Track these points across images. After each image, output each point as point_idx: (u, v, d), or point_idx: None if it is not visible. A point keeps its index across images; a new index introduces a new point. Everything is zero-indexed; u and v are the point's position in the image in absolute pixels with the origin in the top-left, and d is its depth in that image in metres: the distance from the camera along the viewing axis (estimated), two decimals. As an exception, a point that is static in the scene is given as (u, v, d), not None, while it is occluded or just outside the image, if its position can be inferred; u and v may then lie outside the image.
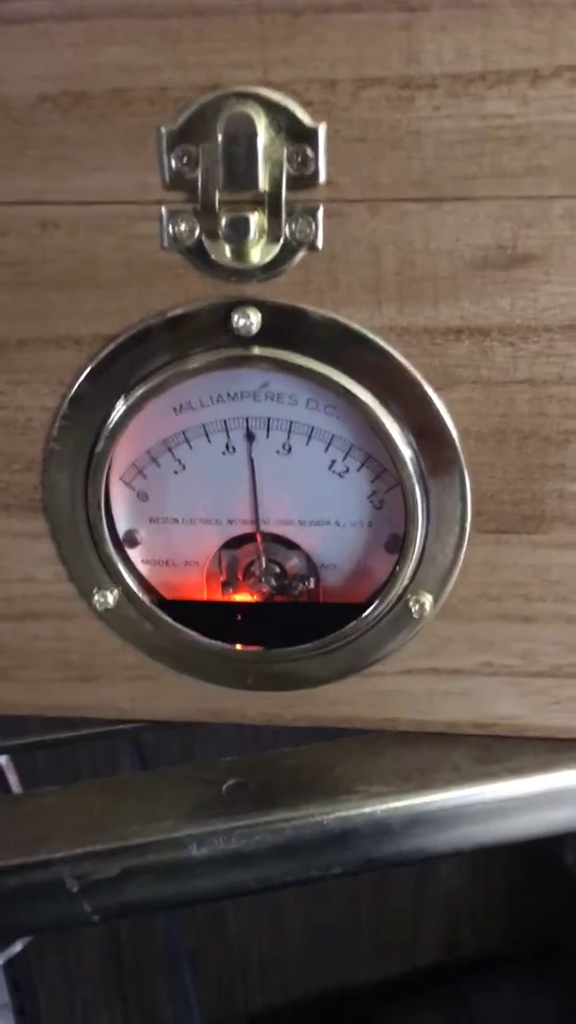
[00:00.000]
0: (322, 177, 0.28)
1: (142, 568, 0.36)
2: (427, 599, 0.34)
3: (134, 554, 0.36)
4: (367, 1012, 0.90)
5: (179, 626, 0.35)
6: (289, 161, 0.28)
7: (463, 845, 0.35)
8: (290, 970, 0.91)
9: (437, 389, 0.31)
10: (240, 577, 0.36)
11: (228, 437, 0.33)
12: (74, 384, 0.32)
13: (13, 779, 0.62)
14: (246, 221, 0.28)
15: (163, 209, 0.29)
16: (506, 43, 0.26)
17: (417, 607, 0.34)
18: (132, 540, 0.35)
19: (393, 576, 0.34)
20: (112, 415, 0.32)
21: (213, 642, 0.35)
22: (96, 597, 0.35)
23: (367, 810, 0.34)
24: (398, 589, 0.34)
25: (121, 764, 0.75)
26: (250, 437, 0.33)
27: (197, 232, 0.29)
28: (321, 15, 0.26)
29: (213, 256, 0.29)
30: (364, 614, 0.34)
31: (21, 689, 0.38)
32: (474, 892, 0.91)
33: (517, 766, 0.35)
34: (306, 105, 0.27)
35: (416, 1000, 0.90)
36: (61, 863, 0.31)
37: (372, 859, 0.34)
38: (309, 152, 0.28)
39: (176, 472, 0.34)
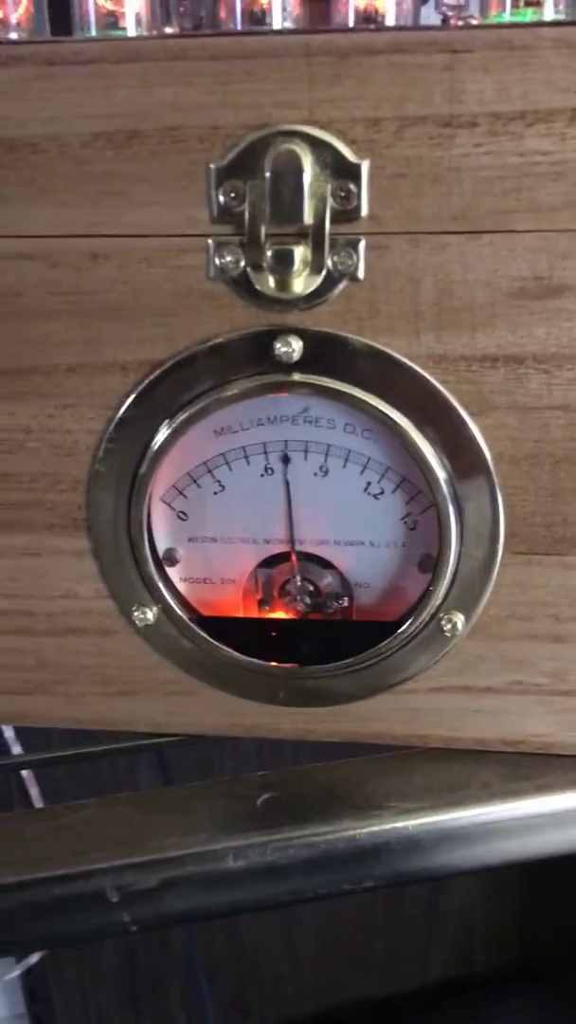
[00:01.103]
0: (364, 211, 0.29)
1: (180, 586, 0.37)
2: (459, 618, 0.35)
3: (173, 572, 0.37)
4: (380, 1025, 0.90)
5: (216, 642, 0.36)
6: (333, 196, 0.29)
7: (492, 861, 0.36)
8: (304, 982, 0.91)
9: (472, 415, 0.32)
10: (276, 595, 0.37)
11: (267, 459, 0.34)
12: (120, 408, 0.33)
13: (35, 793, 0.63)
14: (291, 254, 0.29)
15: (210, 242, 0.30)
16: (545, 83, 0.27)
17: (449, 626, 0.35)
18: (171, 558, 0.36)
19: (426, 595, 0.34)
20: (156, 438, 0.33)
21: (248, 658, 0.36)
22: (136, 614, 0.36)
23: (399, 825, 0.34)
24: (431, 608, 0.35)
25: (141, 780, 0.76)
26: (285, 460, 0.34)
27: (242, 264, 0.30)
28: (366, 57, 0.27)
29: (257, 287, 0.30)
30: (397, 632, 0.35)
31: (61, 703, 0.39)
32: (488, 907, 0.91)
33: (545, 783, 0.36)
34: (350, 143, 0.28)
35: (428, 1014, 0.90)
36: (102, 874, 0.32)
37: (402, 873, 0.35)
38: (352, 187, 0.29)
39: (215, 493, 0.35)
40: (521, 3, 0.30)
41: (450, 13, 0.32)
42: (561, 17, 0.30)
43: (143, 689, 0.38)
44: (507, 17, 0.30)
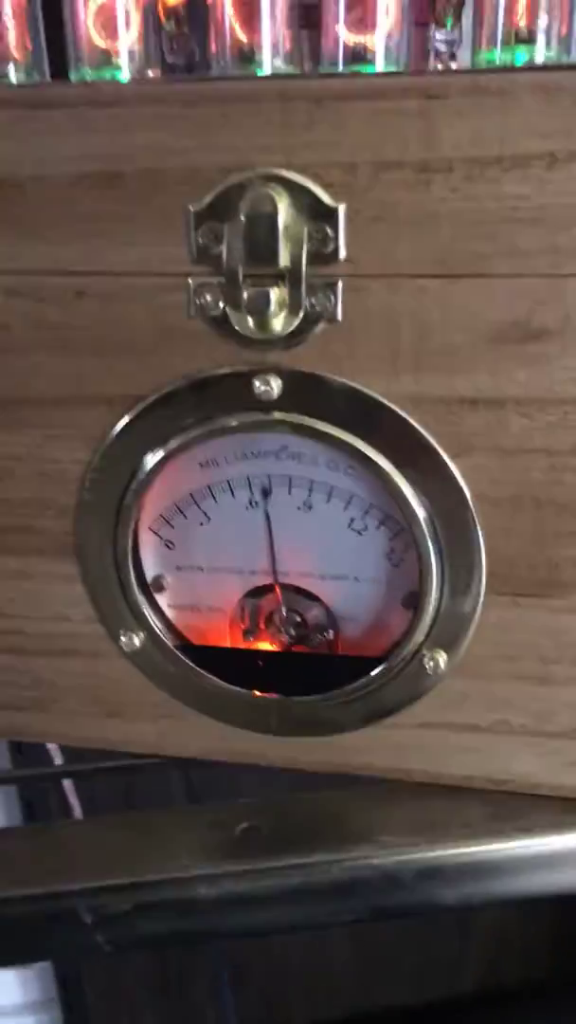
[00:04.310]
0: (342, 254, 0.29)
1: (169, 612, 0.37)
2: (442, 657, 0.34)
3: (161, 598, 0.37)
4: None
5: (200, 670, 0.37)
6: (310, 239, 0.29)
7: (472, 899, 0.36)
8: (333, 986, 0.91)
9: (453, 456, 0.31)
10: (262, 626, 0.37)
11: (251, 492, 0.34)
12: (105, 440, 0.33)
13: (75, 802, 0.64)
14: (267, 296, 0.29)
15: (190, 281, 0.30)
16: (522, 128, 0.27)
17: (431, 664, 0.34)
18: (159, 585, 0.37)
19: (408, 632, 0.34)
20: (139, 470, 0.33)
21: (233, 687, 0.37)
22: (123, 639, 0.37)
23: (376, 862, 0.34)
24: (413, 645, 0.34)
25: (175, 793, 0.77)
26: (265, 493, 0.34)
27: (221, 304, 0.30)
28: (341, 102, 0.27)
29: (236, 327, 0.30)
30: (379, 668, 0.35)
31: (55, 720, 0.40)
32: (521, 921, 0.90)
33: (528, 825, 0.35)
34: (326, 187, 0.28)
35: (459, 1026, 0.90)
36: (77, 895, 0.33)
37: (381, 909, 0.35)
38: (329, 231, 0.29)
39: (201, 523, 0.35)
40: (512, 40, 0.30)
41: (442, 48, 0.31)
42: (552, 54, 0.30)
43: (133, 711, 0.39)
44: (498, 54, 0.30)
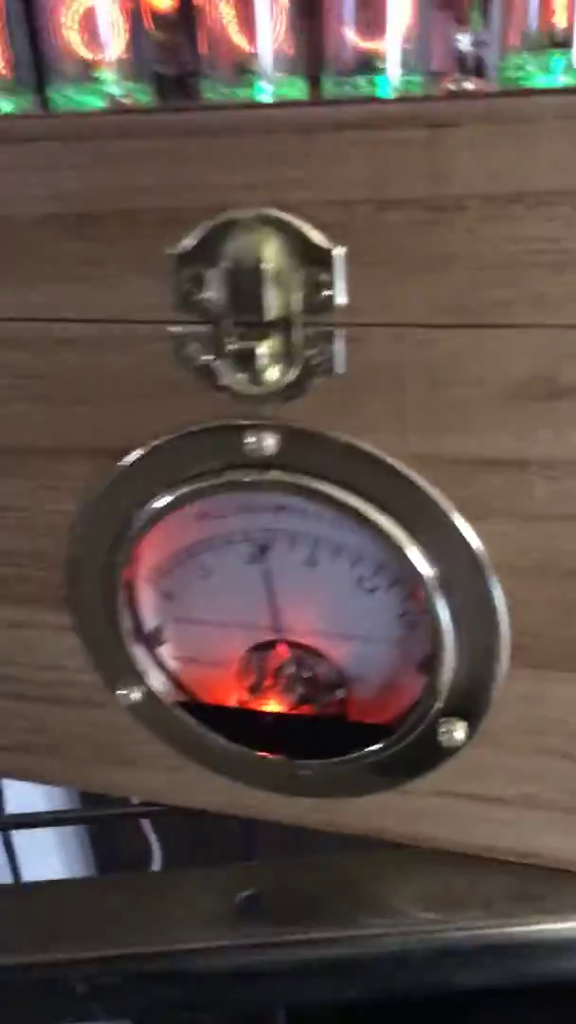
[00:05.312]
0: (341, 300, 0.26)
1: (171, 664, 0.35)
2: (459, 727, 0.31)
3: (163, 650, 0.35)
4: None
5: (202, 729, 0.34)
6: (304, 285, 0.25)
7: (489, 981, 0.33)
8: None
9: (469, 520, 0.28)
10: (268, 682, 0.35)
11: (252, 547, 0.32)
12: (92, 493, 0.31)
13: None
14: (252, 352, 0.26)
15: (172, 330, 0.27)
16: (548, 162, 0.23)
17: (447, 736, 0.31)
18: (159, 638, 0.35)
19: (421, 702, 0.31)
20: (128, 526, 0.31)
21: (237, 746, 0.34)
22: (120, 692, 0.35)
23: (384, 940, 0.32)
24: (428, 714, 0.31)
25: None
26: (263, 550, 0.31)
27: (209, 355, 0.27)
28: (335, 133, 0.24)
29: (224, 381, 0.27)
30: (391, 737, 0.32)
31: (60, 765, 0.39)
32: None
33: (552, 907, 0.33)
34: (321, 227, 0.25)
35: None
36: (68, 965, 0.32)
37: (387, 988, 0.33)
38: (324, 276, 0.25)
39: (200, 576, 0.33)
40: (547, 42, 0.25)
41: (466, 49, 0.27)
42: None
43: (138, 761, 0.37)
44: (525, 58, 0.26)
